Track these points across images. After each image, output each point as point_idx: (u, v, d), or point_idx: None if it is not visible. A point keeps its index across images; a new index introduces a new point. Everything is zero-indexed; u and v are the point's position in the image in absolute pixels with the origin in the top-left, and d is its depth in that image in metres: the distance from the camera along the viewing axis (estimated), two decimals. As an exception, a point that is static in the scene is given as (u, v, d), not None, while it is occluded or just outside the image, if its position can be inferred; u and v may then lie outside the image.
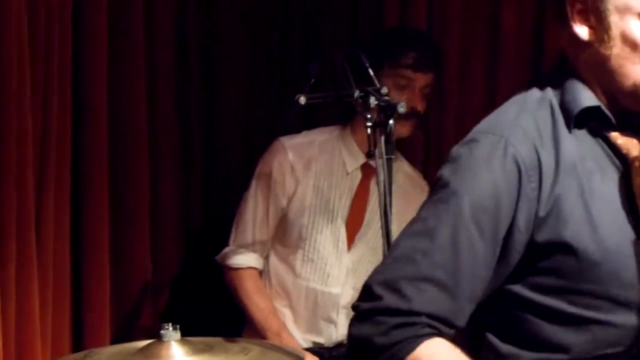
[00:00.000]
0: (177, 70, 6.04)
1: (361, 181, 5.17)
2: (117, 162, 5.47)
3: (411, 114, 4.80)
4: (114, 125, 5.43)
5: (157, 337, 3.97)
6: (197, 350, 3.97)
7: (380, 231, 4.74)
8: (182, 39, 6.09)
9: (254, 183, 5.22)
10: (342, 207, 5.15)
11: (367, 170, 5.13)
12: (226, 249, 5.20)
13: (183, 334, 4.01)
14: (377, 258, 4.83)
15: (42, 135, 4.95)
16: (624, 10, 2.72)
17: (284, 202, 5.14)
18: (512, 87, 5.06)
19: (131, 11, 5.41)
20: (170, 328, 3.96)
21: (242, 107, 6.34)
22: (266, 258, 5.25)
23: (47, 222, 5.09)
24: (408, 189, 5.20)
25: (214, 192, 6.15)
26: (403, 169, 5.29)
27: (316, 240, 5.13)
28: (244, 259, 5.14)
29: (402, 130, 4.89)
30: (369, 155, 4.08)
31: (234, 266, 5.15)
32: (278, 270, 5.22)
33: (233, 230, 5.22)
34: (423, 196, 4.34)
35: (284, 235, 5.20)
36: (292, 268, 5.17)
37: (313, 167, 5.16)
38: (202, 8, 6.11)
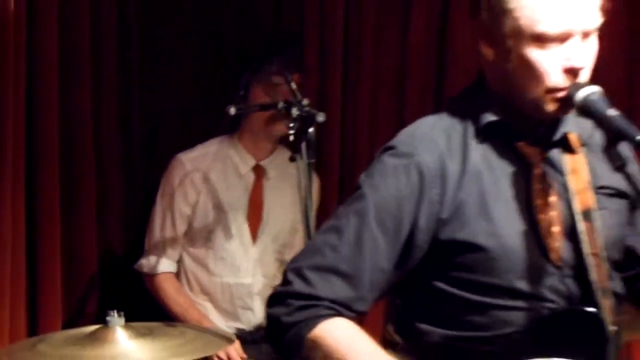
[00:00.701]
0: (119, 72, 5.88)
1: (255, 181, 5.24)
2: (66, 157, 5.34)
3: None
4: (65, 121, 5.32)
5: (104, 322, 3.99)
6: (139, 334, 3.99)
7: (280, 222, 5.21)
8: (124, 42, 5.93)
9: (159, 198, 5.27)
10: (242, 206, 5.21)
11: (259, 171, 5.26)
12: (141, 259, 5.25)
13: (127, 320, 4.03)
14: (281, 247, 5.19)
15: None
16: (518, 34, 2.77)
17: (188, 211, 5.17)
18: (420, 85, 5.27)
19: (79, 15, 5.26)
20: (115, 314, 3.99)
21: (180, 113, 6.21)
22: (179, 261, 5.25)
23: (5, 217, 5.02)
24: (291, 174, 5.10)
25: (154, 188, 5.72)
26: (284, 158, 5.12)
27: (223, 240, 5.17)
28: (158, 266, 5.16)
29: (282, 129, 4.85)
30: (292, 159, 4.18)
31: (151, 273, 5.18)
32: (194, 271, 5.23)
33: (146, 242, 5.27)
34: (315, 184, 4.61)
35: (194, 240, 5.22)
36: (206, 267, 5.19)
37: (210, 176, 5.19)
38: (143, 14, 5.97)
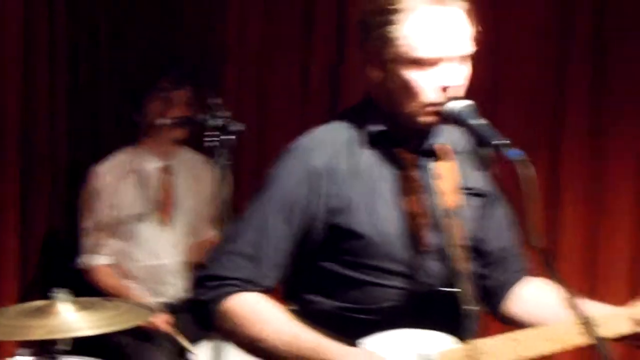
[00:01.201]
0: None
1: (164, 178, 5.35)
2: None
3: (184, 122, 4.99)
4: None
5: (50, 296, 4.10)
6: (81, 307, 4.09)
7: (189, 210, 5.38)
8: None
9: (84, 206, 5.33)
10: (155, 200, 5.33)
11: (167, 169, 5.37)
12: (79, 258, 5.30)
13: (73, 296, 4.14)
14: (193, 230, 5.37)
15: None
16: (399, 59, 2.86)
17: (110, 212, 5.27)
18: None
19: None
20: (62, 291, 4.10)
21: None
22: (110, 254, 5.32)
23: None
24: (196, 169, 5.41)
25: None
26: (188, 156, 5.47)
27: (142, 230, 5.30)
28: (93, 261, 5.25)
29: (181, 134, 5.18)
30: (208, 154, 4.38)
31: (88, 268, 5.25)
32: (122, 260, 5.32)
33: (80, 243, 5.33)
34: (209, 171, 4.76)
35: (118, 234, 5.32)
36: (129, 255, 5.31)
37: (125, 178, 5.29)
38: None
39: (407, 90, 2.88)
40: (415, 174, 3.00)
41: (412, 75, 2.86)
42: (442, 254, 3.00)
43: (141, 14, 6.04)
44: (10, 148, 5.49)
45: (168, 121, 4.97)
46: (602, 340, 2.64)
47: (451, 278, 2.99)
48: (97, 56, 5.98)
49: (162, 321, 5.03)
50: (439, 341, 2.93)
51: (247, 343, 2.94)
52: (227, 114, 3.96)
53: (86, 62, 5.89)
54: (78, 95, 5.85)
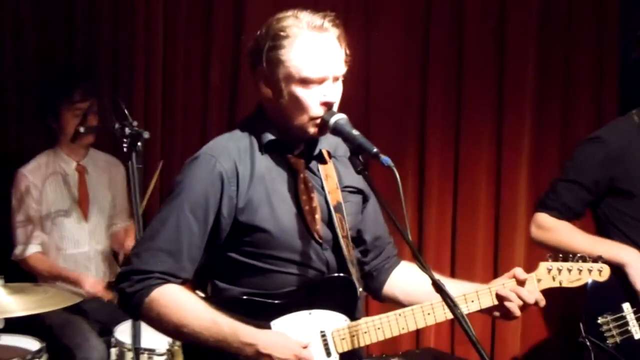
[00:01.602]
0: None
1: (79, 176, 5.32)
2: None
3: (98, 130, 5.09)
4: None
5: None
6: (14, 291, 4.24)
7: (103, 202, 5.41)
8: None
9: (14, 205, 5.25)
10: (73, 196, 5.30)
11: (81, 168, 5.34)
12: (14, 251, 5.22)
13: (6, 281, 4.27)
14: (108, 221, 5.42)
15: None
16: (288, 79, 2.92)
17: (37, 207, 5.22)
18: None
19: None
20: None
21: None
22: (41, 244, 5.24)
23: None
24: (109, 169, 5.42)
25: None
26: (101, 157, 5.47)
27: (64, 223, 5.27)
28: (26, 252, 5.17)
29: (91, 139, 5.23)
30: (126, 165, 4.30)
31: (23, 257, 5.17)
32: (50, 250, 5.24)
33: (13, 236, 5.26)
34: (120, 170, 4.89)
35: (44, 227, 5.26)
36: (56, 245, 5.26)
37: (47, 179, 5.26)
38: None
39: (296, 105, 2.95)
40: (305, 176, 3.07)
41: (299, 92, 2.93)
42: (333, 244, 3.09)
43: (55, 21, 5.88)
44: None
45: (82, 129, 5.00)
46: (462, 314, 2.67)
47: (340, 265, 3.08)
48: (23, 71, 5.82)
49: (88, 286, 5.03)
50: (334, 320, 3.05)
51: (171, 329, 2.98)
52: (135, 122, 4.01)
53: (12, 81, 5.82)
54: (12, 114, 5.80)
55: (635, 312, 3.76)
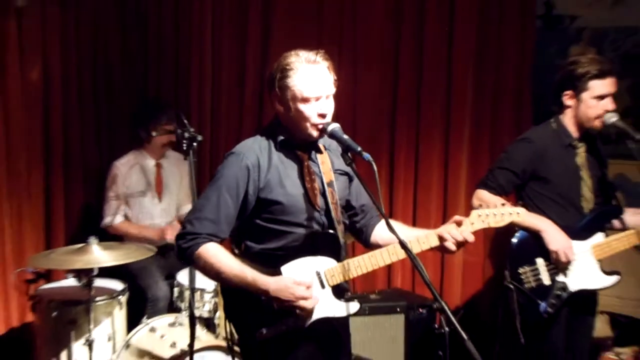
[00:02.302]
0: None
1: (157, 169, 5.18)
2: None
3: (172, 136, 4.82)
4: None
5: (86, 242, 4.21)
6: (104, 248, 4.21)
7: (173, 190, 5.24)
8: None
9: (108, 186, 5.10)
10: (150, 183, 5.15)
11: (159, 165, 5.19)
12: (103, 221, 5.07)
13: (100, 240, 4.25)
14: (175, 203, 5.27)
15: None
16: (294, 98, 2.96)
17: (126, 190, 5.07)
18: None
19: None
20: (94, 238, 4.22)
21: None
22: (125, 216, 5.11)
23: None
24: (179, 164, 5.21)
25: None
26: (174, 155, 5.26)
27: (143, 202, 5.13)
28: (114, 221, 5.06)
29: (169, 146, 5.14)
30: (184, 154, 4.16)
31: (111, 225, 5.06)
32: (131, 221, 5.10)
33: (104, 208, 5.09)
34: (185, 165, 4.42)
35: (129, 204, 5.12)
36: (136, 218, 5.12)
37: (131, 169, 5.10)
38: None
39: (301, 117, 2.97)
40: (309, 164, 3.08)
41: (302, 107, 2.96)
42: (327, 210, 3.09)
43: (135, 60, 5.77)
44: (56, 155, 5.34)
45: (155, 134, 5.01)
46: (415, 256, 2.73)
47: (330, 225, 3.08)
48: (113, 95, 5.72)
49: (164, 230, 4.98)
50: (326, 264, 3.05)
51: (213, 276, 3.01)
52: (192, 129, 3.91)
53: (106, 102, 5.70)
54: (100, 120, 5.67)
55: (546, 265, 3.70)
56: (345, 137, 2.96)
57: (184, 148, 3.84)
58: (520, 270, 3.70)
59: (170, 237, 4.84)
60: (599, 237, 3.74)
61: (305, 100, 2.97)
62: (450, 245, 3.00)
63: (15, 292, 5.03)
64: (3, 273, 5.03)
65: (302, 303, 2.90)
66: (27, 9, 5.02)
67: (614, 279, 3.73)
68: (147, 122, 5.07)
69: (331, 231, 3.08)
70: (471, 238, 3.00)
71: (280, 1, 5.31)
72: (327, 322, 3.05)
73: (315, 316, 2.99)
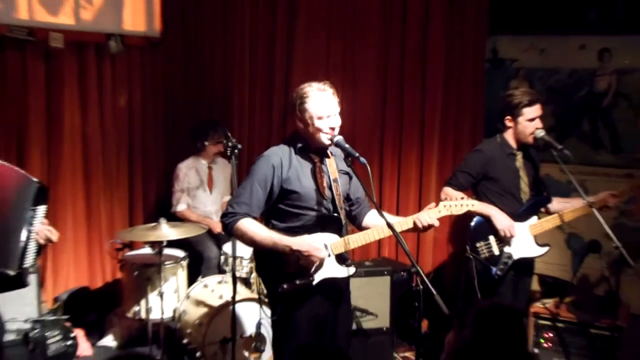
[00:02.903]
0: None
1: (209, 171, 5.05)
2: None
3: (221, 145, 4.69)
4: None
5: (158, 221, 4.19)
6: (171, 226, 4.16)
7: (220, 185, 5.11)
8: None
9: (174, 182, 4.98)
10: (203, 180, 5.02)
11: (210, 167, 5.07)
12: (173, 207, 4.96)
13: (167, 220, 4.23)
14: (222, 195, 5.15)
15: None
16: (311, 117, 2.94)
17: (187, 185, 4.94)
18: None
19: None
20: (163, 219, 4.20)
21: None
22: (187, 204, 4.98)
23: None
24: (225, 167, 5.10)
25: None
26: (221, 160, 5.11)
27: (199, 194, 5.00)
28: (180, 207, 4.94)
29: (218, 152, 5.02)
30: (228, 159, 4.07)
31: (177, 210, 4.94)
32: (191, 208, 4.98)
33: (173, 198, 4.98)
34: (229, 167, 4.47)
35: (190, 195, 4.99)
36: (194, 206, 4.98)
37: (190, 170, 4.97)
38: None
39: (317, 130, 2.95)
40: (320, 165, 3.05)
41: (317, 123, 2.94)
42: (332, 199, 3.04)
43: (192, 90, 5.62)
44: (137, 159, 5.34)
45: (216, 148, 4.98)
46: (398, 234, 2.80)
47: (335, 210, 3.05)
48: (177, 115, 5.62)
49: (213, 223, 4.85)
50: (331, 238, 3.01)
51: (249, 242, 2.99)
52: (234, 139, 3.82)
53: (172, 120, 5.64)
54: (167, 133, 5.62)
55: (496, 241, 3.70)
56: (347, 145, 2.94)
57: (228, 154, 3.77)
58: (477, 244, 3.68)
59: (218, 230, 4.75)
60: (533, 219, 3.73)
61: (319, 118, 2.94)
62: (419, 227, 3.01)
63: (108, 257, 5.05)
64: (99, 243, 5.06)
65: (315, 253, 2.89)
66: (118, 55, 5.02)
67: (545, 249, 3.72)
68: (203, 136, 5.01)
69: (335, 214, 3.04)
70: (436, 223, 3.01)
71: (298, 48, 5.25)
72: (332, 281, 3.01)
73: (323, 276, 2.96)
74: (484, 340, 1.51)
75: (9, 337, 3.55)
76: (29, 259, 2.92)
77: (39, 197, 2.96)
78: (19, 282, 2.90)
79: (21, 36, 4.25)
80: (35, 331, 3.92)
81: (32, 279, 3.85)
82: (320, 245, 2.94)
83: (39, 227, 2.97)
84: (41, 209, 2.98)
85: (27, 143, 4.49)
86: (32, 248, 2.93)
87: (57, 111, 4.67)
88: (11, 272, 2.84)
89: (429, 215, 3.01)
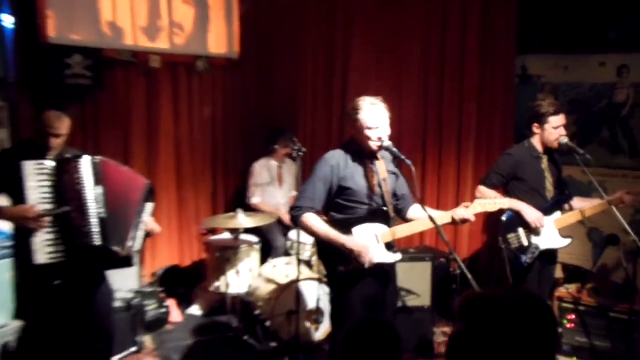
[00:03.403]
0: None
1: (279, 170, 4.98)
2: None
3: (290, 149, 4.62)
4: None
5: (235, 212, 4.19)
6: (247, 215, 4.15)
7: (288, 182, 5.06)
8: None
9: (250, 178, 4.92)
10: (274, 177, 4.95)
11: (281, 167, 4.98)
12: (249, 200, 4.87)
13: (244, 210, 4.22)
14: (290, 190, 5.08)
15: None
16: (363, 126, 2.87)
17: (260, 181, 4.89)
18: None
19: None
20: (240, 210, 4.20)
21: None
22: (261, 197, 4.89)
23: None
24: (292, 166, 5.04)
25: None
26: (289, 162, 5.06)
27: (270, 189, 4.94)
28: (255, 200, 4.87)
29: (287, 156, 4.95)
30: (294, 160, 4.22)
31: (252, 203, 4.86)
32: (264, 201, 4.91)
33: (248, 192, 4.91)
34: (294, 167, 4.42)
35: (262, 190, 4.92)
36: (266, 200, 4.90)
37: (263, 168, 4.93)
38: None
39: (367, 138, 2.90)
40: (371, 167, 2.98)
41: (369, 133, 2.89)
42: (381, 195, 2.98)
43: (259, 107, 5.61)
44: (219, 159, 5.33)
45: (285, 151, 4.91)
46: (439, 226, 2.78)
47: (384, 204, 2.95)
48: (252, 123, 5.54)
49: (283, 215, 4.74)
50: (381, 229, 2.97)
51: (310, 232, 2.96)
52: (299, 144, 3.80)
53: (248, 126, 5.57)
54: (244, 137, 5.57)
55: (525, 233, 3.59)
56: (395, 149, 2.89)
57: (294, 156, 3.77)
58: (508, 236, 3.58)
59: (287, 221, 4.66)
60: (557, 215, 3.62)
61: (369, 128, 2.88)
62: (458, 221, 2.95)
63: (196, 241, 5.09)
64: (188, 229, 5.08)
65: (363, 256, 2.82)
66: (204, 73, 5.05)
67: (568, 241, 3.60)
68: (274, 141, 4.98)
69: (384, 208, 2.99)
70: (472, 218, 2.95)
71: (353, 64, 5.22)
72: (382, 266, 2.96)
73: (374, 261, 2.89)
74: (474, 329, 1.33)
75: (116, 304, 3.64)
76: (137, 245, 3.01)
77: (149, 195, 3.07)
78: (127, 262, 3.00)
79: (127, 58, 4.38)
80: (136, 300, 4.02)
81: (135, 258, 3.97)
82: (369, 250, 2.85)
83: (147, 219, 3.07)
84: (149, 205, 3.08)
85: (131, 145, 4.57)
86: (140, 236, 3.03)
87: (155, 119, 4.75)
88: (123, 253, 2.93)
89: (465, 212, 2.93)
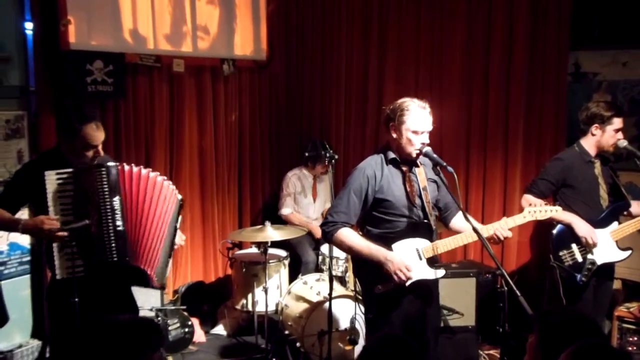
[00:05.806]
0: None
1: (313, 183, 5.08)
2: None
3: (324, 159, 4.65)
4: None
5: (263, 224, 4.23)
6: (275, 228, 4.22)
7: (322, 194, 5.11)
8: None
9: (283, 188, 5.04)
10: (307, 189, 5.04)
11: (315, 179, 5.10)
12: (281, 211, 5.02)
13: (272, 224, 4.26)
14: (324, 203, 5.16)
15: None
16: (407, 130, 2.88)
17: (293, 191, 5.00)
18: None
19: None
20: (268, 222, 4.25)
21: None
22: (292, 208, 5.02)
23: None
24: (325, 178, 5.09)
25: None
26: (323, 175, 5.12)
27: (303, 201, 5.04)
28: (286, 211, 5.00)
29: (322, 170, 5.02)
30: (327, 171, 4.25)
31: (284, 214, 5.00)
32: (295, 213, 5.04)
33: (281, 203, 5.04)
34: (329, 177, 4.35)
35: (295, 201, 5.03)
36: (299, 211, 5.02)
37: (293, 177, 5.04)
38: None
39: (409, 143, 2.91)
40: (410, 175, 3.00)
41: (412, 137, 2.90)
42: (422, 207, 2.98)
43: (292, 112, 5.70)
44: (245, 168, 5.38)
45: (321, 169, 5.03)
46: (484, 238, 2.76)
47: (425, 216, 2.98)
48: (280, 130, 5.63)
49: (314, 228, 4.82)
50: (422, 243, 2.97)
51: (346, 249, 2.98)
52: (332, 151, 3.87)
53: (276, 133, 5.65)
54: (272, 145, 5.65)
55: (579, 248, 3.55)
56: (435, 155, 2.90)
57: (326, 163, 3.75)
58: (560, 253, 3.54)
59: (318, 236, 4.70)
60: (614, 225, 3.57)
61: (414, 132, 2.89)
62: (495, 238, 2.94)
63: (220, 255, 5.11)
64: (213, 242, 5.13)
65: (401, 274, 2.81)
66: (230, 77, 5.12)
67: (627, 253, 3.56)
68: (315, 157, 4.96)
69: (426, 221, 2.98)
70: (510, 234, 2.95)
71: (389, 67, 5.25)
72: (423, 283, 2.96)
73: (415, 278, 2.89)
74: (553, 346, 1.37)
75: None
76: (167, 268, 3.04)
77: (180, 210, 3.07)
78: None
79: (149, 63, 4.46)
80: (158, 319, 4.06)
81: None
82: (411, 268, 2.84)
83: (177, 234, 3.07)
84: (179, 219, 3.08)
85: (153, 151, 4.62)
86: (170, 260, 3.05)
87: (179, 125, 4.82)
88: (158, 284, 2.99)
89: (502, 227, 2.93)
